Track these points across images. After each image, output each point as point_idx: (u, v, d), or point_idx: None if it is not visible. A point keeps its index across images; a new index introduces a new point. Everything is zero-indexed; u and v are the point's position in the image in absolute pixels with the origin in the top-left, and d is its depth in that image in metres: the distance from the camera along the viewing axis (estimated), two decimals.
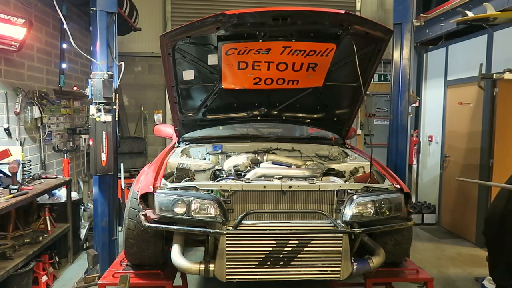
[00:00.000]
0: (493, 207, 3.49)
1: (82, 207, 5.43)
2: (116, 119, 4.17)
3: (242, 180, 2.90)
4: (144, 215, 2.75)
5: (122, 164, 6.71)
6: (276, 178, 2.91)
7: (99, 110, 3.99)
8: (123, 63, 4.25)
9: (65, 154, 5.73)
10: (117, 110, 4.18)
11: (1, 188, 3.87)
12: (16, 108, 4.61)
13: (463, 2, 5.49)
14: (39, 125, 5.06)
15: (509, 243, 3.18)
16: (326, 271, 2.74)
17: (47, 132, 5.26)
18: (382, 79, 8.01)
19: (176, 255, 2.78)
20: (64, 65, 5.86)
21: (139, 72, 8.05)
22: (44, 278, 4.08)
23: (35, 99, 4.94)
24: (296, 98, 3.78)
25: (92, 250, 4.40)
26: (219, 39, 3.03)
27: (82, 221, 5.39)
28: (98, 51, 4.06)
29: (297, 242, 2.68)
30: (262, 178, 3.04)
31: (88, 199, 6.25)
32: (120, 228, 5.74)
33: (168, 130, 4.74)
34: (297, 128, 4.71)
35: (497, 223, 3.28)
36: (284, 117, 4.04)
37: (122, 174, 6.80)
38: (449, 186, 6.45)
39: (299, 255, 2.69)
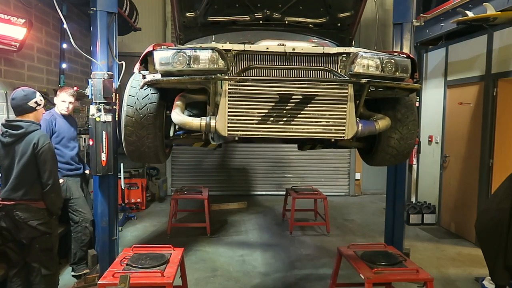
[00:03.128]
0: (489, 202, 3.51)
1: None
2: (116, 119, 4.17)
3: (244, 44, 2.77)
4: (144, 76, 2.68)
5: (122, 164, 6.73)
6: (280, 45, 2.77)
7: (99, 110, 3.99)
8: (123, 62, 4.25)
9: None
10: (117, 110, 4.18)
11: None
12: None
13: (463, 2, 5.49)
14: None
15: (502, 242, 3.18)
16: (331, 129, 2.64)
17: None
18: None
19: (176, 113, 2.69)
20: (64, 65, 5.86)
21: None
22: None
23: None
24: None
25: (92, 250, 4.40)
26: None
27: None
28: (98, 51, 4.06)
29: (301, 97, 2.57)
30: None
31: None
32: (120, 228, 5.75)
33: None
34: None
35: (488, 220, 3.29)
36: (286, 22, 3.82)
37: (122, 174, 6.81)
38: (449, 186, 6.45)
39: (302, 111, 2.59)
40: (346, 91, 2.61)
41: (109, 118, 3.99)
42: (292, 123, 2.60)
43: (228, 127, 2.57)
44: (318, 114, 2.62)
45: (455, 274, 4.72)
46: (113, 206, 4.36)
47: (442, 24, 6.16)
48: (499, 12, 4.81)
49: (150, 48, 2.70)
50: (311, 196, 6.42)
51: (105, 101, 3.99)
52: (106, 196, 4.25)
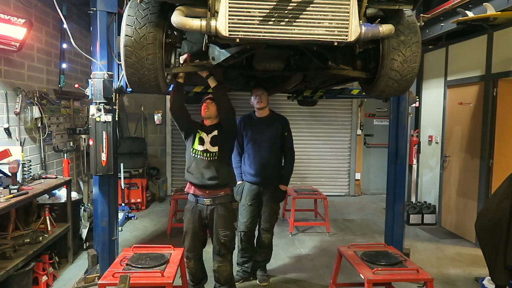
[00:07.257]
0: (489, 202, 3.51)
1: (82, 207, 5.43)
2: (116, 119, 4.17)
3: None
4: None
5: (122, 164, 6.73)
6: None
7: (99, 110, 3.98)
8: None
9: (65, 154, 5.73)
10: (117, 110, 4.18)
11: (1, 188, 3.87)
12: (16, 108, 4.62)
13: (463, 2, 5.49)
14: (39, 125, 5.07)
15: (502, 242, 3.18)
16: (334, 31, 2.61)
17: (47, 132, 5.26)
18: None
19: (176, 14, 2.62)
20: (64, 65, 5.87)
21: None
22: (44, 278, 4.08)
23: (35, 99, 4.95)
24: None
25: (92, 250, 4.40)
26: None
27: (83, 221, 5.40)
28: (98, 51, 4.05)
29: None
30: None
31: (88, 199, 6.25)
32: (120, 228, 5.75)
33: None
34: None
35: (487, 220, 3.29)
36: None
37: (122, 174, 6.82)
38: (449, 186, 6.45)
39: (305, 12, 2.56)
40: None
41: (109, 118, 3.99)
42: (294, 24, 2.57)
43: (229, 26, 2.52)
44: (320, 15, 2.58)
45: (455, 274, 4.72)
46: (113, 206, 4.35)
47: (442, 24, 6.16)
48: (499, 12, 4.80)
49: None
50: (311, 196, 6.42)
51: (105, 101, 3.99)
52: (106, 196, 4.25)
